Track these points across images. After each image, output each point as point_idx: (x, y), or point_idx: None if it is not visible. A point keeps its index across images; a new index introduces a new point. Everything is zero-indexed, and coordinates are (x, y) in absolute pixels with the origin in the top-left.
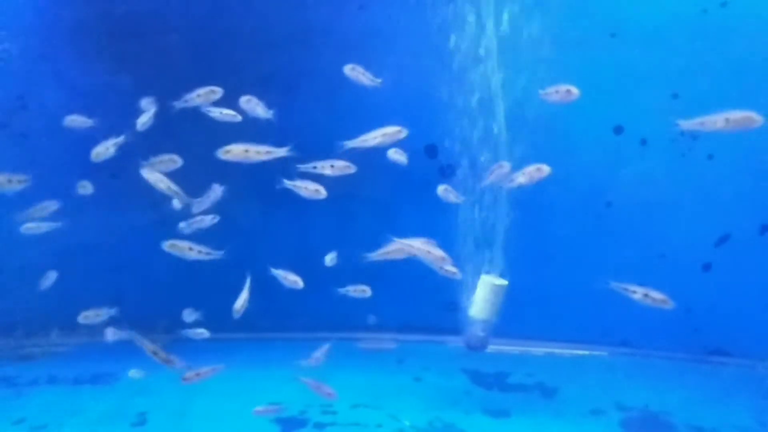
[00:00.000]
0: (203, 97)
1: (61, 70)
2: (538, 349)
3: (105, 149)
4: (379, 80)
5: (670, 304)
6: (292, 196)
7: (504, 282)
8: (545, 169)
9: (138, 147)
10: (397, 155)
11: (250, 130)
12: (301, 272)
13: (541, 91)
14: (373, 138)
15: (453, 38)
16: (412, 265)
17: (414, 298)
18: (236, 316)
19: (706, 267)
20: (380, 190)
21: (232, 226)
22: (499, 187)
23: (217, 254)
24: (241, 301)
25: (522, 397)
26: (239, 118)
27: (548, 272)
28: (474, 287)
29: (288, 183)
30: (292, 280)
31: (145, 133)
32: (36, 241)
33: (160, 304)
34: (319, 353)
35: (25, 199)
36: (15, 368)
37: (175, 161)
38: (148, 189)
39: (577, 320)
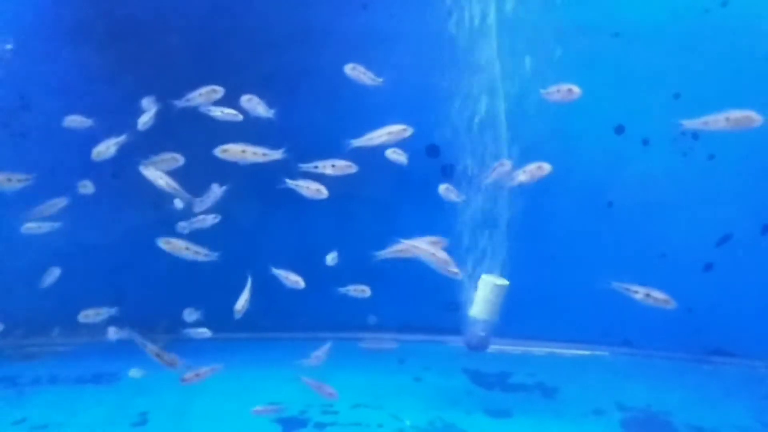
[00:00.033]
0: (205, 96)
1: (62, 69)
2: (539, 349)
3: (106, 148)
4: (381, 80)
5: (672, 304)
6: (293, 195)
7: (505, 282)
8: (546, 167)
9: (139, 147)
10: (395, 155)
11: (250, 130)
12: (302, 272)
13: (542, 91)
14: (378, 136)
15: (455, 38)
16: (412, 265)
17: (415, 298)
18: (237, 316)
19: (708, 267)
20: (381, 190)
21: (233, 226)
22: (501, 187)
23: (213, 256)
24: (242, 301)
25: (523, 397)
26: (240, 117)
27: (549, 272)
28: (475, 287)
29: (290, 183)
30: (293, 279)
31: (145, 132)
32: (37, 241)
33: (161, 303)
34: (320, 352)
35: (25, 199)
36: (16, 368)
37: (176, 160)
38: (149, 189)
39: (578, 320)
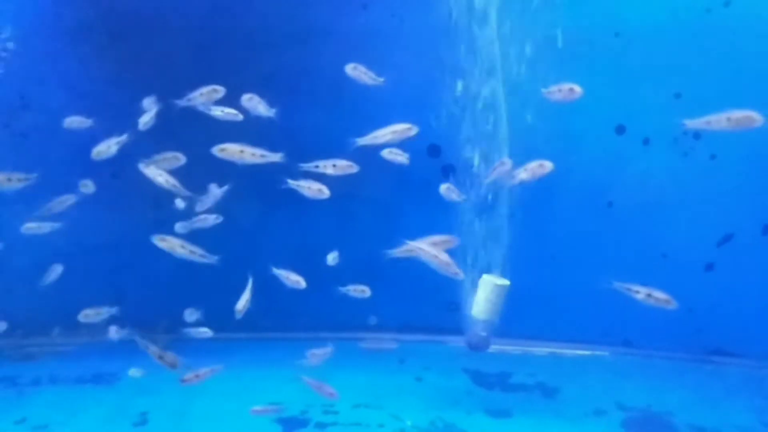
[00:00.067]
0: (206, 96)
1: (63, 69)
2: (540, 349)
3: (107, 147)
4: (382, 79)
5: (673, 304)
6: (293, 195)
7: (505, 282)
8: (548, 165)
9: (139, 146)
10: (392, 155)
11: (251, 130)
12: (303, 272)
13: (543, 90)
14: (383, 135)
15: (455, 37)
16: (413, 265)
17: (415, 298)
18: (238, 316)
19: (709, 267)
20: (382, 189)
21: (234, 226)
22: (501, 187)
23: (210, 258)
24: (243, 301)
25: (523, 397)
26: (241, 117)
27: (550, 272)
28: (475, 287)
29: (292, 183)
30: (294, 279)
31: (146, 132)
32: (37, 241)
33: (162, 303)
34: (318, 351)
35: (26, 199)
36: (16, 368)
37: (178, 159)
38: (150, 188)
39: (578, 320)
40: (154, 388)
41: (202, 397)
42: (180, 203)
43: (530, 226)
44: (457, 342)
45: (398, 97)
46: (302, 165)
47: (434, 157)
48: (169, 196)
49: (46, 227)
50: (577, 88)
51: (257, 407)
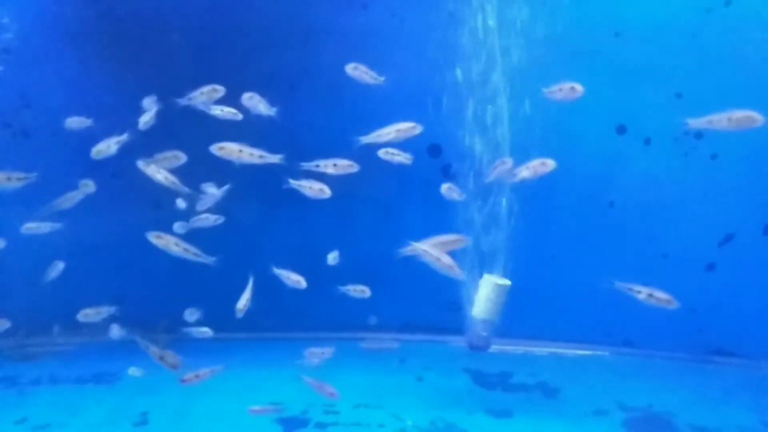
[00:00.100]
0: (206, 95)
1: (63, 69)
2: (541, 349)
3: (107, 147)
4: (382, 78)
5: (674, 305)
6: (294, 195)
7: (506, 282)
8: (550, 164)
9: (139, 146)
10: (389, 155)
11: (251, 130)
12: (303, 272)
13: (544, 89)
14: (386, 134)
15: (456, 37)
16: (414, 264)
17: (416, 298)
18: (239, 315)
19: (710, 267)
20: (383, 189)
21: (234, 226)
22: (502, 187)
23: (205, 258)
24: (244, 300)
25: (524, 397)
26: (240, 116)
27: (551, 272)
28: (476, 287)
29: (293, 183)
30: (294, 279)
31: (146, 132)
32: (37, 241)
33: (162, 303)
34: (317, 350)
35: (26, 199)
36: (17, 368)
37: (178, 158)
38: (150, 188)
39: (579, 320)
40: (155, 387)
41: (203, 396)
42: (181, 203)
43: (531, 226)
44: (458, 342)
45: (398, 96)
46: (303, 164)
47: (434, 156)
48: (169, 196)
49: (45, 227)
50: (578, 87)
51: (256, 407)
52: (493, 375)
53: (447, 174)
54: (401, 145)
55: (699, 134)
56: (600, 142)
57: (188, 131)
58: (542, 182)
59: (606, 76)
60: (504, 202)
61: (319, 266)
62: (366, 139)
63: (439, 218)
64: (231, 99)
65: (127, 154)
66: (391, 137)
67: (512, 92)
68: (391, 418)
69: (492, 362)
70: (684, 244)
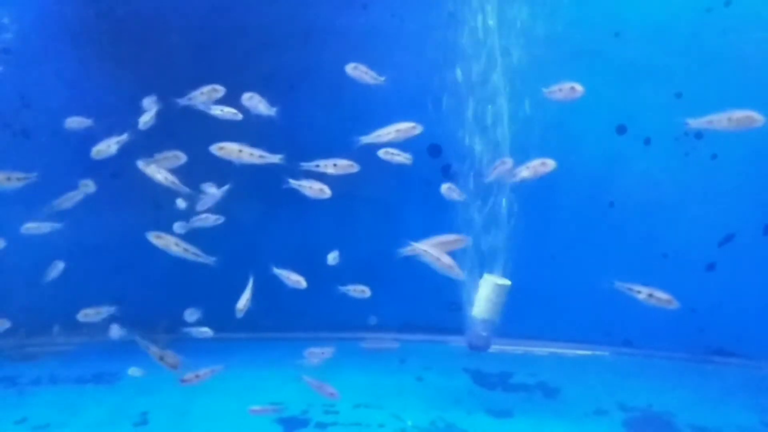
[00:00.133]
0: (206, 95)
1: (63, 69)
2: (541, 349)
3: (107, 147)
4: (383, 78)
5: (675, 305)
6: (294, 195)
7: (507, 282)
8: (550, 164)
9: (139, 146)
10: (388, 155)
11: (251, 130)
12: (304, 272)
13: (544, 89)
14: (386, 134)
15: (456, 37)
16: (414, 264)
17: (416, 298)
18: (239, 315)
19: (710, 267)
20: (383, 189)
21: (234, 226)
22: (502, 187)
23: (204, 258)
24: (244, 300)
25: (524, 397)
26: (240, 116)
27: (551, 272)
28: (476, 287)
29: (293, 183)
30: (294, 279)
31: (146, 132)
32: (37, 241)
33: (162, 303)
34: (317, 350)
35: (26, 199)
36: (17, 368)
37: (179, 157)
38: (150, 188)
39: (579, 320)
40: (155, 387)
41: (203, 396)
42: (181, 203)
43: (531, 226)
44: (458, 342)
45: (398, 96)
46: (303, 164)
47: (434, 156)
48: (169, 196)
49: (45, 227)
50: (578, 87)
51: (255, 407)
52: (493, 375)
53: (447, 174)
54: (401, 145)
55: (699, 134)
56: (600, 142)
57: (188, 131)
58: (542, 182)
59: (606, 76)
60: (504, 202)
61: (319, 266)
62: (366, 139)
63: (439, 218)
64: (231, 99)
65: (127, 154)
66: (392, 137)
67: (512, 92)
68: (391, 418)
69: (492, 362)
70: (684, 244)
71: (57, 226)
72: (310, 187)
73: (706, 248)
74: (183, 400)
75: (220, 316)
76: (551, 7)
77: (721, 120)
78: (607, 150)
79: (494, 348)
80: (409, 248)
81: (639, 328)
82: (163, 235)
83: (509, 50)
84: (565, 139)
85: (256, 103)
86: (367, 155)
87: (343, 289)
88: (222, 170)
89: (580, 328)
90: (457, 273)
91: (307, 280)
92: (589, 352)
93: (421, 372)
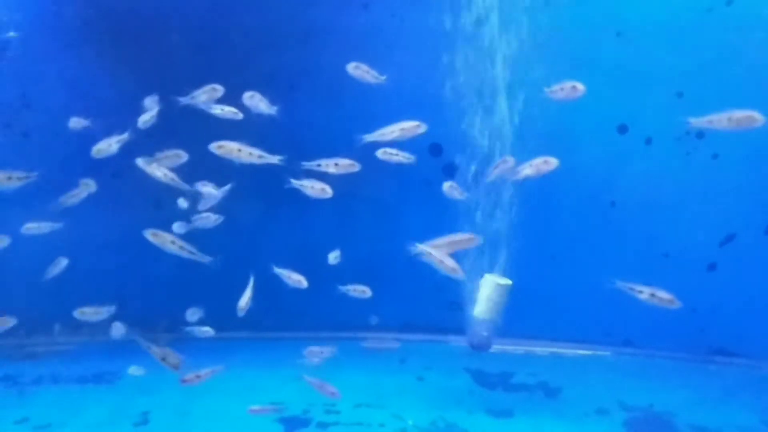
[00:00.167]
0: (206, 94)
1: (63, 69)
2: (542, 349)
3: (107, 146)
4: (384, 77)
5: (676, 304)
6: (295, 194)
7: (508, 281)
8: (553, 162)
9: (140, 146)
10: (387, 155)
11: (252, 130)
12: (304, 271)
13: (546, 89)
14: (390, 132)
15: (455, 37)
16: (414, 264)
17: (417, 298)
18: (240, 313)
19: (711, 267)
20: (383, 189)
21: (235, 225)
22: (503, 187)
23: (202, 257)
24: (245, 299)
25: (525, 397)
26: (240, 115)
27: (552, 272)
28: (477, 287)
29: (295, 182)
30: (295, 279)
31: (147, 131)
32: (38, 241)
33: (163, 303)
34: (316, 349)
35: (27, 198)
36: (18, 367)
37: (180, 156)
38: (151, 188)
39: (580, 320)
40: (156, 387)
41: (204, 396)
42: (183, 202)
43: (533, 225)
44: (458, 342)
45: (398, 96)
46: (304, 164)
47: (435, 156)
48: (170, 195)
49: (46, 227)
50: (580, 86)
51: (255, 407)
52: (494, 375)
53: (448, 174)
54: (400, 144)
55: (700, 134)
56: (601, 142)
57: (189, 131)
58: (543, 182)
59: (607, 76)
60: (504, 202)
61: (320, 266)
62: (370, 138)
63: (440, 218)
64: (231, 98)
65: (128, 153)
66: (396, 136)
67: (513, 92)
68: (392, 417)
69: (493, 362)
70: (685, 244)
71: (57, 225)
72: (312, 187)
73: (707, 248)
74: (184, 399)
75: (220, 316)
76: (553, 6)
77: (721, 120)
78: (608, 150)
79: (495, 348)
80: (414, 249)
81: (640, 328)
82: (159, 232)
83: (510, 50)
84: (566, 139)
85: (257, 102)
86: (367, 155)
87: (343, 288)
88: (223, 170)
89: (581, 328)
90: (460, 275)
91: (308, 279)
92: (590, 352)
93: (422, 372)
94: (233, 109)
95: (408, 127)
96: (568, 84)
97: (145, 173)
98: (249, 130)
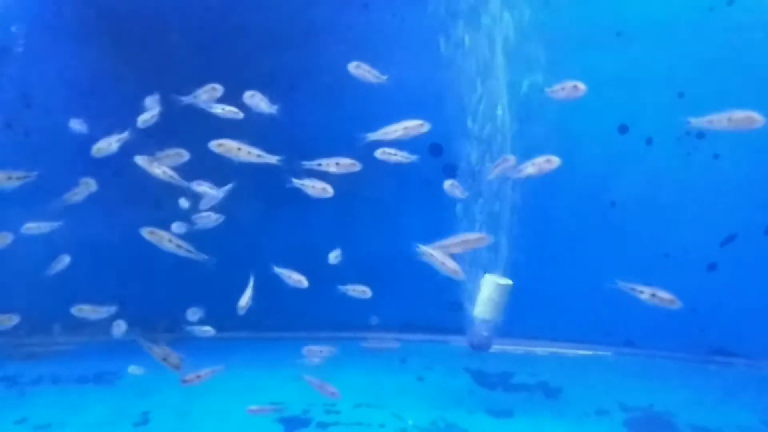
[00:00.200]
0: (207, 94)
1: (64, 68)
2: (542, 349)
3: (107, 145)
4: (385, 77)
5: (677, 304)
6: (295, 194)
7: (508, 281)
8: (555, 161)
9: (140, 145)
10: (385, 155)
11: (252, 129)
12: (304, 271)
13: (547, 89)
14: (394, 131)
15: (457, 36)
16: (415, 264)
17: (417, 298)
18: (241, 312)
19: (711, 267)
20: (383, 189)
21: (235, 225)
22: (503, 186)
23: (199, 255)
24: (246, 298)
25: (525, 397)
26: (241, 115)
27: (552, 272)
28: (478, 287)
29: (296, 182)
30: (296, 279)
31: (147, 131)
32: (38, 240)
33: (163, 302)
34: (315, 348)
35: (27, 198)
36: (18, 367)
37: (181, 155)
38: (152, 187)
39: (580, 320)
40: (156, 387)
41: (204, 396)
42: (184, 202)
43: (533, 225)
44: (459, 342)
45: (399, 95)
46: (305, 163)
47: (435, 156)
48: (171, 195)
49: (46, 227)
50: (581, 86)
51: (254, 407)
52: (494, 375)
53: (448, 174)
54: (400, 144)
55: (701, 134)
56: (602, 142)
57: (190, 130)
58: (544, 181)
59: (608, 76)
60: (505, 201)
61: (320, 266)
62: (373, 136)
63: (440, 218)
64: (232, 98)
65: (129, 153)
66: (399, 135)
67: (513, 91)
68: (392, 417)
69: (493, 362)
70: (685, 244)
71: (57, 225)
72: (313, 187)
73: (708, 248)
74: (184, 399)
75: (221, 316)
76: (553, 6)
77: (721, 120)
78: (608, 149)
79: (495, 348)
80: (418, 251)
81: (640, 328)
82: (156, 230)
83: (510, 49)
84: (566, 139)
85: (257, 101)
86: (367, 155)
87: (343, 288)
88: (223, 169)
89: (581, 328)
90: (462, 277)
91: (308, 279)
92: (590, 352)
93: (422, 372)
94: (234, 109)
95: (412, 126)
96: (569, 83)
97: (146, 173)
98: (249, 129)
